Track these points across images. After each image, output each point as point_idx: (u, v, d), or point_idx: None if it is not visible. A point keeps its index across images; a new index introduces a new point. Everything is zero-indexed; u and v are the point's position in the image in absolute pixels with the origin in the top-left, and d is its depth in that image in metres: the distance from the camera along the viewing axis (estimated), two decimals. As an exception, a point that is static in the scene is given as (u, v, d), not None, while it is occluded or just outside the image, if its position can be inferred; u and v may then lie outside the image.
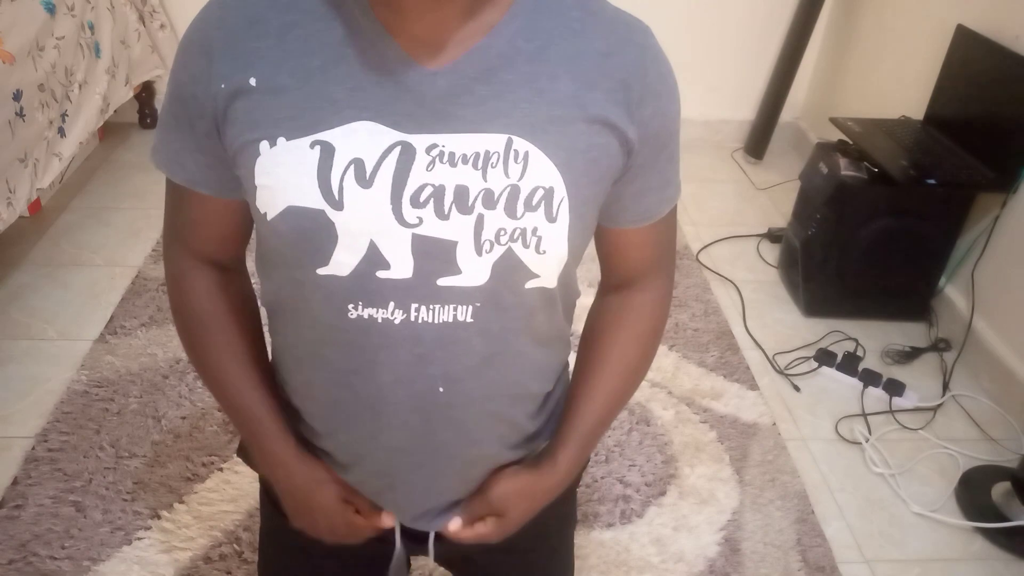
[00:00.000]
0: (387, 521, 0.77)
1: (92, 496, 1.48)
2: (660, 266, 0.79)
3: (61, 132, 2.08)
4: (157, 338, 1.88)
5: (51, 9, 2.01)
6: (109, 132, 2.76)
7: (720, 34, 2.88)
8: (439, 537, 0.81)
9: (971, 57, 2.00)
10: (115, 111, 2.44)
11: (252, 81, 0.61)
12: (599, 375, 0.77)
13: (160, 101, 2.87)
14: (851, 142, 2.06)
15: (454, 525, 0.76)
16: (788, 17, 2.81)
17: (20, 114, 1.85)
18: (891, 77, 2.49)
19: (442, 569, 0.96)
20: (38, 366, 1.79)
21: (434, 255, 0.62)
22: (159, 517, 1.45)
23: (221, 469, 1.55)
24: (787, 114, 2.96)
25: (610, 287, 0.80)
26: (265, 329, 0.79)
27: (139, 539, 1.41)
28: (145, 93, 2.82)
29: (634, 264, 0.77)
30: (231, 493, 1.50)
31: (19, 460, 1.55)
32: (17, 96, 1.83)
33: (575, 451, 0.77)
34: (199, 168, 0.68)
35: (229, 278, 0.76)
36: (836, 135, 2.15)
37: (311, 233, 0.62)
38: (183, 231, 0.74)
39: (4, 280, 2.07)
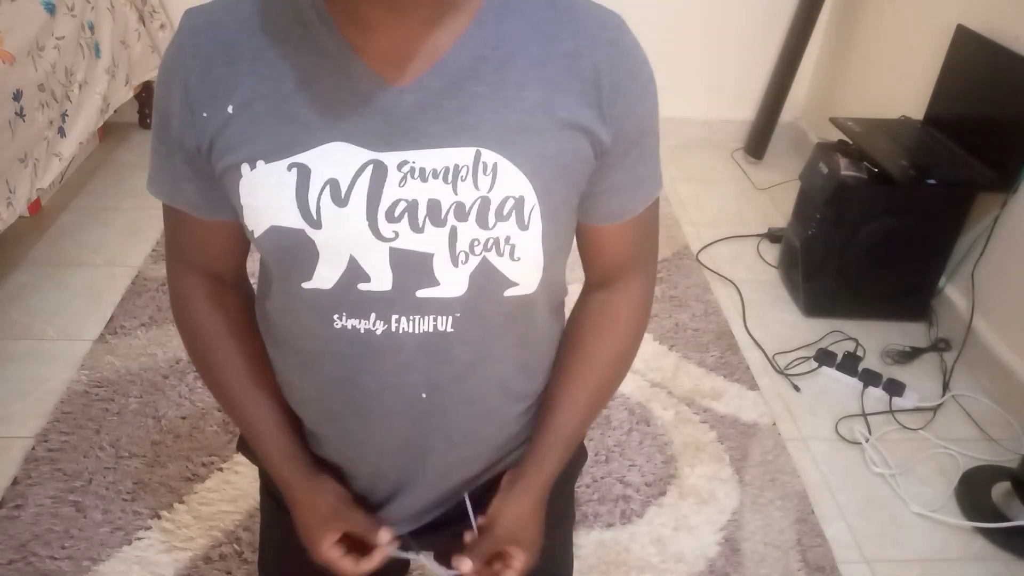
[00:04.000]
0: (383, 537, 0.76)
1: (92, 496, 1.48)
2: (639, 264, 0.79)
3: (61, 132, 2.08)
4: (157, 338, 1.88)
5: (51, 9, 2.01)
6: (109, 132, 2.76)
7: (720, 34, 2.88)
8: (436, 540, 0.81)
9: (971, 57, 2.00)
10: (115, 111, 2.44)
11: (230, 109, 0.62)
12: (579, 378, 0.78)
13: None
14: (851, 142, 2.06)
15: (466, 567, 0.73)
16: (788, 17, 2.81)
17: (20, 114, 1.84)
18: (891, 77, 2.49)
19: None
20: (38, 366, 1.79)
21: (412, 267, 0.64)
22: (159, 517, 1.45)
23: (221, 469, 1.55)
24: (787, 114, 2.96)
25: (591, 284, 0.81)
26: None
27: (139, 539, 1.41)
28: (145, 93, 2.81)
29: (612, 261, 0.77)
30: (231, 493, 1.50)
31: (19, 460, 1.55)
32: (17, 96, 1.83)
33: (559, 453, 0.77)
34: (191, 194, 0.70)
35: (231, 292, 0.78)
36: (836, 135, 2.15)
37: (293, 250, 0.64)
38: (184, 250, 0.76)
39: (4, 280, 2.07)
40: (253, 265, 0.73)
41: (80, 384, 1.73)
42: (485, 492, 0.80)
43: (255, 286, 0.80)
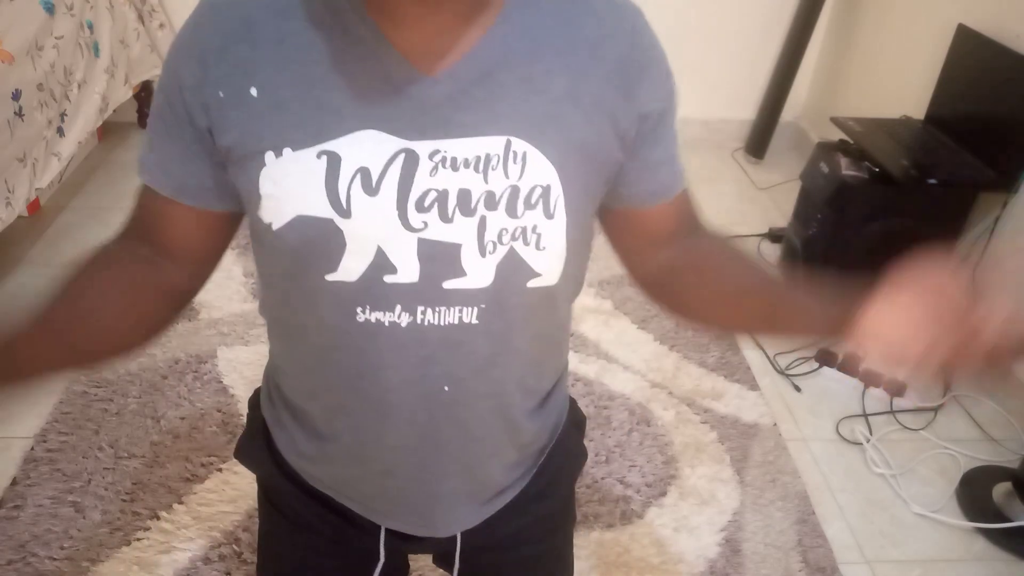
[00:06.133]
0: None
1: (91, 496, 1.48)
2: (693, 227, 0.79)
3: (60, 132, 2.08)
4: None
5: (50, 8, 2.00)
6: (108, 132, 2.76)
7: (720, 34, 2.88)
8: (438, 542, 0.81)
9: (972, 56, 1.99)
10: (114, 110, 2.44)
11: (253, 91, 0.60)
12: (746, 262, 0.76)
13: (159, 100, 2.86)
14: (852, 142, 2.06)
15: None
16: (789, 16, 2.81)
17: (19, 114, 1.84)
18: (892, 76, 2.48)
19: (440, 571, 0.96)
20: (37, 366, 1.79)
21: (439, 258, 0.63)
22: (158, 518, 1.45)
23: (220, 470, 1.54)
24: (788, 114, 2.95)
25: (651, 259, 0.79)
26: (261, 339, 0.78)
27: (138, 540, 1.41)
28: (144, 92, 2.81)
29: (669, 236, 0.77)
30: (230, 494, 1.50)
31: (18, 460, 1.55)
32: (16, 96, 1.83)
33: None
34: (184, 177, 0.66)
35: (170, 269, 0.71)
36: (837, 135, 2.14)
37: (320, 241, 0.62)
38: (147, 234, 0.69)
39: (3, 280, 2.06)
40: (253, 265, 0.71)
41: (79, 384, 1.73)
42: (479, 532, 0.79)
43: (254, 286, 0.79)
